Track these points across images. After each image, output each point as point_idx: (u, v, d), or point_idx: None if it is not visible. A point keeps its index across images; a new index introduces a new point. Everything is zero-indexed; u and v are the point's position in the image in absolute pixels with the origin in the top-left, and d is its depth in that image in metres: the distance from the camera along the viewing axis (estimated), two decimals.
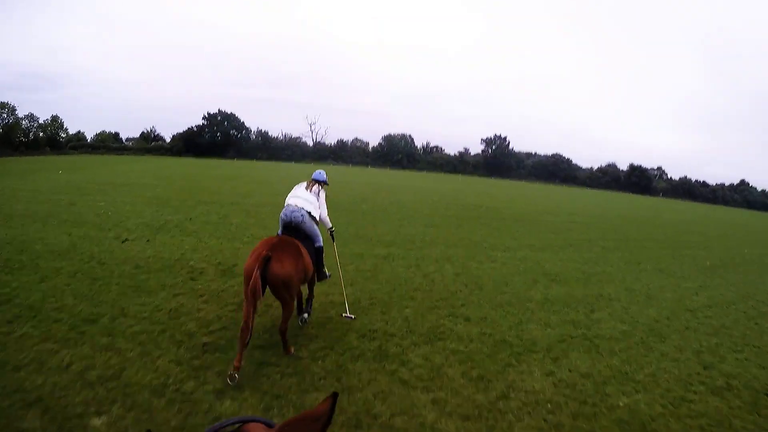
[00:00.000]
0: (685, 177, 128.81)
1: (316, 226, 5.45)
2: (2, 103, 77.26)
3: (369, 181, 36.01)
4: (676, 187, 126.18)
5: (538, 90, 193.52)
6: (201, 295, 6.54)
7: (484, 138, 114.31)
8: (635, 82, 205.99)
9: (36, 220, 10.84)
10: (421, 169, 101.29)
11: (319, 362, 4.75)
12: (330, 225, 5.97)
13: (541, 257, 11.41)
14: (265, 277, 4.24)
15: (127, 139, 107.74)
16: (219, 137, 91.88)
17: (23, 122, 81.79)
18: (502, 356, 5.31)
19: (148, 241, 9.49)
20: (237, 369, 4.10)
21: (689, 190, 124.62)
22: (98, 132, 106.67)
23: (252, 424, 0.96)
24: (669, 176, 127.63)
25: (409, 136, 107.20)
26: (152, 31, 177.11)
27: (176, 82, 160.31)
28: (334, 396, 0.84)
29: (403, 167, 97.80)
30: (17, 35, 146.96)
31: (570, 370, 5.08)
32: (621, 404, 4.42)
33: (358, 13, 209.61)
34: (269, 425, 0.96)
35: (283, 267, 4.32)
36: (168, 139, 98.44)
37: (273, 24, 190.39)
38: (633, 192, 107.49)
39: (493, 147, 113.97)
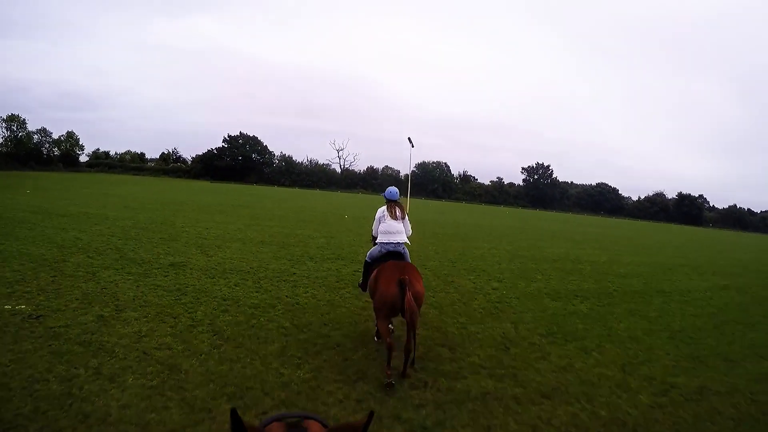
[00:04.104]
0: (734, 205, 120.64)
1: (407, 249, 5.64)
2: (12, 116, 74.54)
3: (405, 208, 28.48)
4: (725, 216, 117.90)
5: (576, 119, 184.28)
6: None
7: (525, 167, 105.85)
8: (669, 111, 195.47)
9: None
10: (458, 199, 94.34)
11: None
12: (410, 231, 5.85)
13: None
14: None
15: (150, 160, 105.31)
16: (240, 160, 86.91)
17: (35, 137, 78.86)
18: None
19: None
20: (390, 375, 4.39)
21: (739, 218, 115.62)
22: (124, 151, 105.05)
23: (311, 421, 0.97)
24: (711, 204, 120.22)
25: (445, 164, 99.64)
26: (188, 57, 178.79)
27: (207, 107, 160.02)
28: (371, 414, 0.93)
29: (438, 197, 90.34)
30: (63, 57, 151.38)
31: None
32: None
33: (389, 45, 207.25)
34: (325, 425, 0.96)
35: (420, 285, 4.69)
36: (190, 162, 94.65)
37: (306, 55, 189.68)
38: (682, 223, 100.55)
39: (535, 176, 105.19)
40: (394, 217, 5.43)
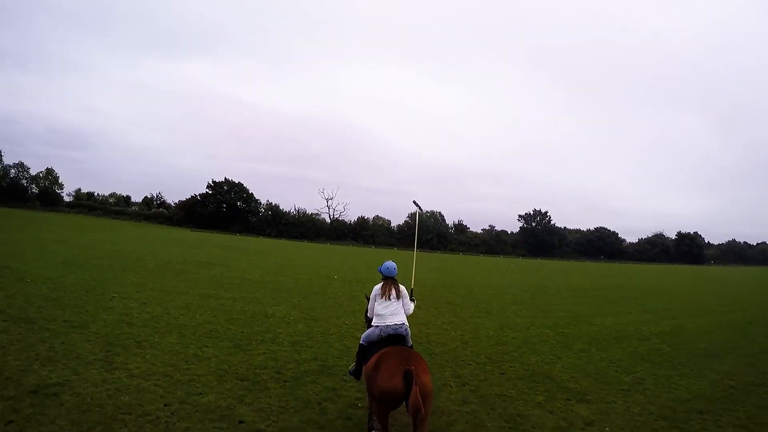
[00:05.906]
0: (733, 240, 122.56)
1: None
2: None
3: (409, 277, 24.52)
4: (725, 252, 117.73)
5: (566, 164, 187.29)
6: None
7: (522, 214, 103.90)
8: (657, 150, 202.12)
9: None
10: (453, 249, 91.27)
11: None
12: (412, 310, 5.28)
13: None
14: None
15: (135, 203, 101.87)
16: (224, 208, 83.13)
17: (11, 171, 75.81)
18: None
19: None
20: None
21: (739, 252, 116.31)
22: (109, 193, 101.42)
23: None
24: (707, 241, 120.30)
25: (440, 213, 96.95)
26: (179, 100, 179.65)
27: (195, 151, 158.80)
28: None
29: (433, 248, 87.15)
30: (56, 92, 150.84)
31: None
32: None
33: (380, 92, 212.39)
34: None
35: (428, 377, 4.00)
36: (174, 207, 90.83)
37: (297, 102, 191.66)
38: (683, 262, 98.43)
39: (533, 223, 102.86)
40: (387, 298, 4.98)
